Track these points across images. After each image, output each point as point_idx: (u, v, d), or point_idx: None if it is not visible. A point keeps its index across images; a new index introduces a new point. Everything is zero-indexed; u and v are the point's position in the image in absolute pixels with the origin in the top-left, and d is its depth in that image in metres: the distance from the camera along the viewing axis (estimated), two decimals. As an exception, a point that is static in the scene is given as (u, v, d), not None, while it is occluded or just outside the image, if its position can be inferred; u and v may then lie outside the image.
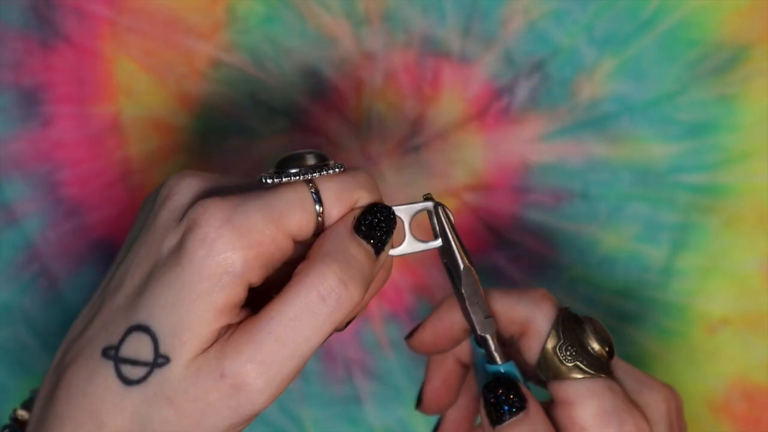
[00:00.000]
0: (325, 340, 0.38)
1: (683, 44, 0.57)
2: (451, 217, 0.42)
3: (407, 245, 0.41)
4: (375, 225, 0.39)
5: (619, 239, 0.57)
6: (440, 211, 0.41)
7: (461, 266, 0.41)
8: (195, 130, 0.59)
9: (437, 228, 0.42)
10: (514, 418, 0.41)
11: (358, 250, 0.39)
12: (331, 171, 0.39)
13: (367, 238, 0.39)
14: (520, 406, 0.41)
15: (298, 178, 0.39)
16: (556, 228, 0.58)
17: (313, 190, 0.39)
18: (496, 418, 0.41)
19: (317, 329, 0.38)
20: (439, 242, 0.42)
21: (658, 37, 0.57)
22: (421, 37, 0.58)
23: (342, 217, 0.39)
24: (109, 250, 0.59)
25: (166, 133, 0.59)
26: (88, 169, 0.59)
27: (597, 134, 0.57)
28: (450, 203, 0.56)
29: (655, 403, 0.42)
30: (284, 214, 0.38)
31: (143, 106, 0.59)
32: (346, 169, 0.40)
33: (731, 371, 0.57)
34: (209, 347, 0.37)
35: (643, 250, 0.57)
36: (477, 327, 0.42)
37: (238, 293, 0.38)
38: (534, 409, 0.41)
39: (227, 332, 0.38)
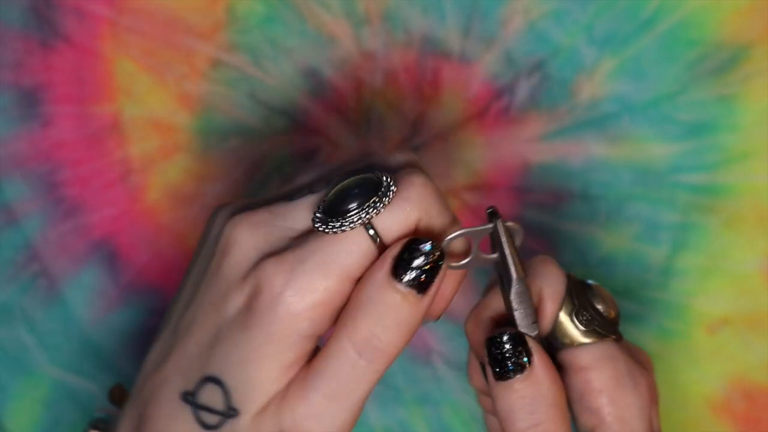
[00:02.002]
0: (375, 384, 0.39)
1: (683, 44, 0.57)
2: (511, 233, 0.41)
3: (471, 260, 0.41)
4: (415, 266, 0.39)
5: (619, 239, 0.57)
6: (500, 228, 0.41)
7: (514, 277, 0.41)
8: (195, 130, 0.59)
9: (495, 242, 0.41)
10: (518, 375, 0.40)
11: (394, 297, 0.38)
12: (386, 199, 0.39)
13: (407, 282, 0.39)
14: (525, 363, 0.40)
15: (353, 224, 0.38)
16: (556, 228, 0.58)
17: (371, 232, 0.39)
18: (499, 374, 0.40)
19: (360, 381, 0.38)
20: (495, 255, 0.41)
21: (658, 37, 0.57)
22: (421, 37, 0.58)
23: (380, 259, 0.39)
24: (109, 250, 0.59)
25: (166, 133, 0.59)
26: (88, 169, 0.59)
27: (597, 134, 0.57)
28: (450, 203, 0.56)
29: (647, 362, 0.43)
30: (345, 265, 0.38)
31: (143, 106, 0.59)
32: (398, 185, 0.39)
33: (731, 371, 0.57)
34: (270, 402, 0.39)
35: (643, 250, 0.57)
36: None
37: (305, 348, 0.39)
38: (540, 367, 0.40)
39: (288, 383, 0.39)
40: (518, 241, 0.41)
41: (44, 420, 0.60)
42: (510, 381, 0.40)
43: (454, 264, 0.41)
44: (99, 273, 0.59)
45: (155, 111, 0.59)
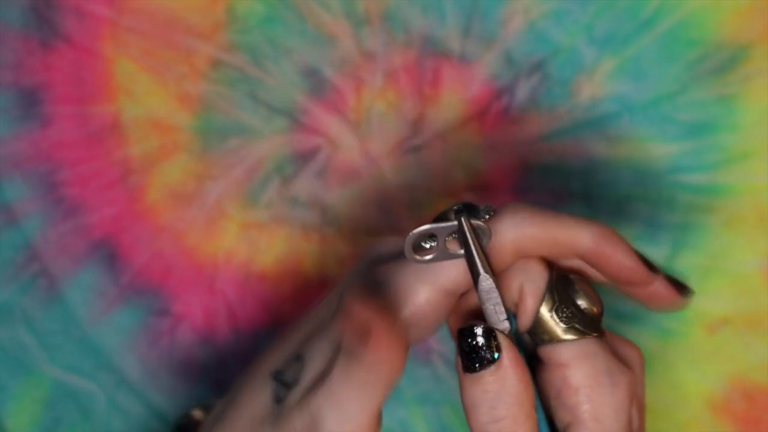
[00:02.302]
0: None
1: (683, 44, 0.57)
2: (476, 231, 0.42)
3: (438, 254, 0.42)
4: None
5: (619, 239, 0.57)
6: (463, 224, 0.42)
7: (480, 273, 0.42)
8: (195, 130, 0.59)
9: (461, 239, 0.42)
10: (484, 370, 0.40)
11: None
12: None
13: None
14: (492, 358, 0.40)
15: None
16: (556, 228, 0.58)
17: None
18: (466, 366, 0.41)
19: None
20: (462, 252, 0.42)
21: (658, 37, 0.57)
22: (421, 37, 0.58)
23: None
24: (109, 250, 0.59)
25: (166, 133, 0.59)
26: (88, 169, 0.59)
27: (597, 134, 0.57)
28: (450, 203, 0.56)
29: (633, 359, 0.43)
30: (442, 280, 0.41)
31: (143, 106, 0.59)
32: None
33: (731, 371, 0.57)
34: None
35: (643, 250, 0.57)
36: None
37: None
38: (508, 364, 0.40)
39: None
40: (486, 240, 0.42)
41: (44, 420, 0.60)
42: (476, 374, 0.40)
43: (418, 258, 0.41)
44: (99, 273, 0.59)
45: (155, 111, 0.59)
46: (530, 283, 0.42)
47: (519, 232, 0.42)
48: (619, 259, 0.42)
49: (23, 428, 0.60)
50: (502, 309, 0.42)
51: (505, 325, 0.42)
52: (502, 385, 0.40)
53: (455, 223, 0.42)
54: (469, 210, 0.42)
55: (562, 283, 0.42)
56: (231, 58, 0.59)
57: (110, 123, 0.59)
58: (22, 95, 0.59)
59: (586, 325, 0.42)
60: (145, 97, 0.59)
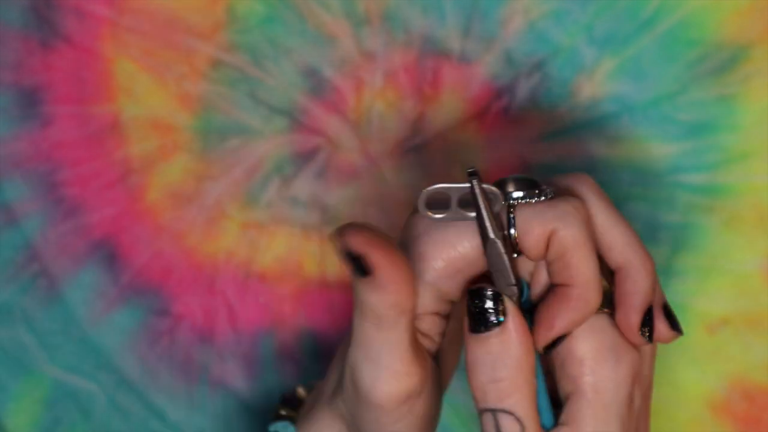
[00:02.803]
0: None
1: (683, 44, 0.57)
2: (488, 195, 0.42)
3: (450, 214, 0.42)
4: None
5: (619, 239, 0.57)
6: (475, 186, 0.42)
7: (488, 237, 0.42)
8: (195, 130, 0.59)
9: (473, 202, 0.42)
10: (488, 332, 0.41)
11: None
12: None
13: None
14: (497, 321, 0.41)
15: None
16: (556, 228, 0.58)
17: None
18: (472, 326, 0.42)
19: None
20: (473, 215, 0.42)
21: (658, 37, 0.57)
22: (421, 37, 0.58)
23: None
24: (109, 250, 0.59)
25: (166, 133, 0.59)
26: (88, 169, 0.59)
27: (597, 134, 0.57)
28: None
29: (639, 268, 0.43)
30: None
31: (143, 106, 0.59)
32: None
33: (731, 371, 0.57)
34: None
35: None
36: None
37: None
38: (513, 329, 0.41)
39: None
40: (497, 207, 0.42)
41: (44, 420, 0.60)
42: (481, 335, 0.41)
43: (430, 214, 0.42)
44: (99, 273, 0.59)
45: (155, 111, 0.59)
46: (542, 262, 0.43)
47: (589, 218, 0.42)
48: (630, 299, 0.43)
49: (23, 428, 0.60)
50: (510, 274, 0.42)
51: (513, 291, 0.42)
52: (505, 348, 0.41)
53: (467, 185, 0.42)
54: (531, 185, 0.42)
55: None
56: (231, 58, 0.59)
57: (110, 123, 0.59)
58: (22, 95, 0.59)
59: None
60: (145, 97, 0.59)
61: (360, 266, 0.39)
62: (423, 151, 0.58)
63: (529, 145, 0.58)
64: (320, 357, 0.59)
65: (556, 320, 0.41)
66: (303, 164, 0.59)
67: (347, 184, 0.59)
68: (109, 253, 0.59)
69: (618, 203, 0.57)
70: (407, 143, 0.58)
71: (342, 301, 0.59)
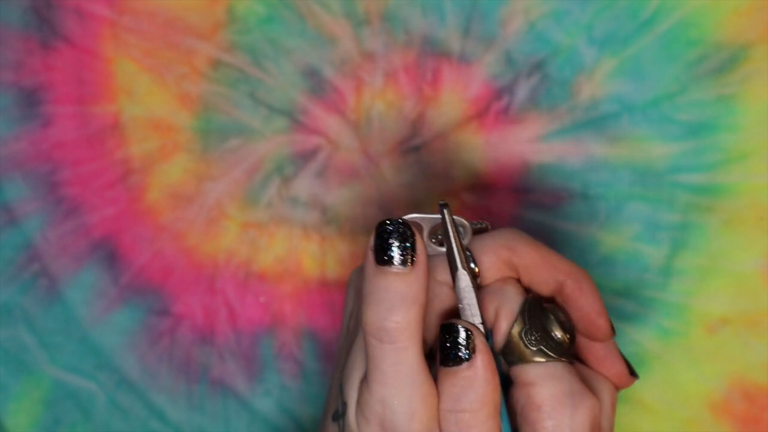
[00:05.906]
0: (415, 358, 0.43)
1: (683, 44, 0.57)
2: (455, 224, 0.44)
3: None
4: (386, 244, 0.42)
5: (619, 239, 0.58)
6: (445, 217, 0.44)
7: (457, 269, 0.44)
8: (195, 130, 0.59)
9: (443, 234, 0.44)
10: (456, 366, 0.42)
11: (386, 279, 0.42)
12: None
13: (390, 261, 0.42)
14: (466, 357, 0.42)
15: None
16: (555, 228, 0.58)
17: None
18: (442, 359, 0.43)
19: (396, 362, 0.42)
20: (443, 249, 0.44)
21: (658, 37, 0.57)
22: (421, 37, 0.58)
23: (365, 256, 0.43)
24: (109, 250, 0.59)
25: (166, 133, 0.59)
26: (88, 169, 0.59)
27: (597, 134, 0.57)
28: (450, 203, 0.56)
29: (604, 392, 0.45)
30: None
31: (143, 106, 0.59)
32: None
33: (731, 371, 0.57)
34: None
35: (643, 250, 0.57)
36: None
37: None
38: (480, 365, 0.42)
39: None
40: (467, 239, 0.44)
41: (44, 420, 0.60)
42: (449, 369, 0.42)
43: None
44: (99, 273, 0.59)
45: (155, 111, 0.59)
46: (505, 305, 0.44)
47: (512, 245, 0.44)
48: (589, 301, 0.44)
49: (23, 428, 0.60)
50: (477, 308, 0.44)
51: (479, 323, 0.44)
52: (470, 383, 0.42)
53: (438, 216, 0.44)
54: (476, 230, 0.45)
55: (535, 309, 0.44)
56: (231, 58, 0.59)
57: (110, 123, 0.59)
58: (23, 95, 0.59)
59: (554, 350, 0.43)
60: (145, 97, 0.59)
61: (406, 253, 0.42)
62: (423, 151, 0.58)
63: (529, 145, 0.58)
64: (320, 357, 0.59)
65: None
66: (303, 164, 0.59)
67: (347, 184, 0.59)
68: (109, 253, 0.59)
69: (618, 203, 0.57)
70: (407, 143, 0.58)
71: (342, 301, 0.59)
